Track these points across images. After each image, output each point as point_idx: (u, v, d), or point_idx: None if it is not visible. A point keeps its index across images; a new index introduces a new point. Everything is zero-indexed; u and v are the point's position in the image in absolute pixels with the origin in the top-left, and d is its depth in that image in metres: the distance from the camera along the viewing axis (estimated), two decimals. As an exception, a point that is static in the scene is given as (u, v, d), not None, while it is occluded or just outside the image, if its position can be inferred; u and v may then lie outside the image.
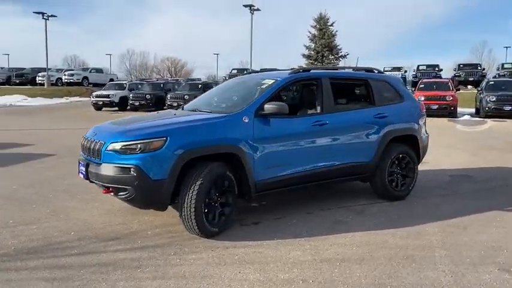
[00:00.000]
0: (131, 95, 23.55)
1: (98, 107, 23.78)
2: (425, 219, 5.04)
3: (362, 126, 5.50)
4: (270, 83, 5.13)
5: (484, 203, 5.73)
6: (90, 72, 38.79)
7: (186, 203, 4.16)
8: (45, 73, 38.21)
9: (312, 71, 5.54)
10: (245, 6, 32.07)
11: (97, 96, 23.81)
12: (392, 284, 3.40)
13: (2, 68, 44.16)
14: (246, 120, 4.59)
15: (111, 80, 36.02)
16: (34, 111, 23.41)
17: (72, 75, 37.87)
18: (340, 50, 30.46)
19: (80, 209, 5.30)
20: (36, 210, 5.31)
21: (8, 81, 40.97)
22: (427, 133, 6.39)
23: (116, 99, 23.52)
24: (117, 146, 4.14)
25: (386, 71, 34.86)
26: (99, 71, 39.67)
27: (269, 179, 4.74)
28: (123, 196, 4.18)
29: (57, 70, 41.82)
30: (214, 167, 4.32)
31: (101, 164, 4.26)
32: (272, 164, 4.74)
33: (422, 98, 19.74)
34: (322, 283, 3.41)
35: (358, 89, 6.09)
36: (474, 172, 7.77)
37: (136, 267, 3.65)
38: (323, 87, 5.32)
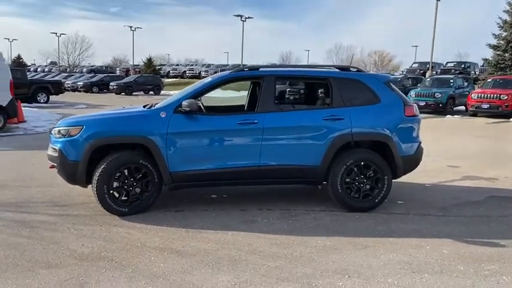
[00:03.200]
0: (288, 89, 24.86)
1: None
2: (343, 233, 4.58)
3: (306, 128, 5.19)
4: (204, 81, 5.41)
5: (450, 230, 4.71)
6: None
7: (92, 183, 4.95)
8: (240, 69, 43.41)
9: (260, 69, 5.49)
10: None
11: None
12: (169, 278, 3.49)
13: (211, 64, 51.76)
14: (163, 116, 5.04)
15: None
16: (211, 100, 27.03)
17: (260, 70, 41.87)
18: (540, 38, 24.89)
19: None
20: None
21: (214, 76, 48.05)
22: (416, 141, 5.47)
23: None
24: (55, 130, 5.19)
25: None
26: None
27: (187, 172, 5.08)
28: (57, 171, 5.22)
29: (252, 66, 46.76)
30: (122, 155, 4.95)
31: (49, 144, 5.41)
32: (190, 157, 5.06)
33: None
34: (120, 262, 3.76)
35: (313, 89, 5.66)
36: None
37: (30, 227, 4.63)
38: (263, 86, 5.26)
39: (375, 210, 5.32)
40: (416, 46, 64.01)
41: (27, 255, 3.92)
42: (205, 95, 5.54)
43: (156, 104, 5.44)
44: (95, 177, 4.90)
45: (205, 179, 5.17)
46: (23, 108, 16.78)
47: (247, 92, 6.80)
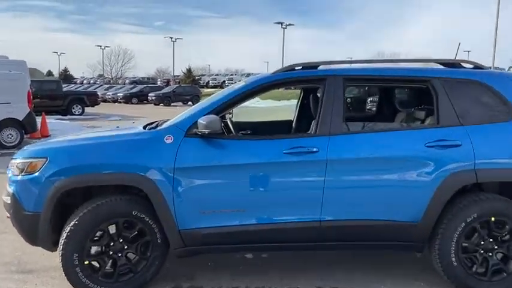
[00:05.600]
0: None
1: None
2: None
3: (396, 161, 3.20)
4: (235, 88, 3.52)
5: None
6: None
7: (58, 249, 3.16)
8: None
9: (320, 68, 3.52)
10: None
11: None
12: None
13: (251, 73, 50.34)
14: (169, 141, 3.20)
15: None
16: (242, 111, 25.24)
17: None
18: None
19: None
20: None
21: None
22: None
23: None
24: (13, 164, 3.45)
25: None
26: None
27: (206, 230, 3.21)
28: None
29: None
30: (105, 204, 3.14)
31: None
32: (210, 207, 3.20)
33: None
34: None
35: (406, 97, 3.65)
36: None
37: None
38: (326, 94, 3.32)
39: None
40: (468, 51, 59.59)
41: None
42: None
43: (163, 123, 3.60)
44: (61, 240, 3.12)
45: (234, 242, 3.27)
46: (53, 120, 15.84)
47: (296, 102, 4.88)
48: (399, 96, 3.77)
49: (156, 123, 3.77)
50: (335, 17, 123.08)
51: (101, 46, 66.91)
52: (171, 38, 54.34)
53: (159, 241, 3.27)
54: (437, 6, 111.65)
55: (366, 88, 9.15)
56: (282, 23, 40.23)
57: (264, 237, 3.25)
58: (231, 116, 4.32)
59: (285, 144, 3.21)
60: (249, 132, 4.46)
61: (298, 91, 5.09)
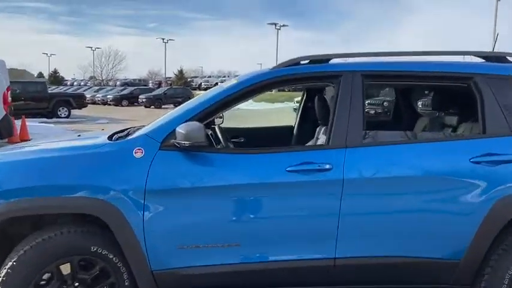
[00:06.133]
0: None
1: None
2: None
3: (432, 181, 2.49)
4: (224, 87, 2.79)
5: None
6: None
7: (-7, 296, 2.42)
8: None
9: (332, 62, 2.80)
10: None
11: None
12: None
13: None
14: (139, 155, 2.47)
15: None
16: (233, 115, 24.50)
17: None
18: None
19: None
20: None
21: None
22: None
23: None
24: None
25: None
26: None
27: (187, 270, 2.48)
28: None
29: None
30: (54, 239, 2.40)
31: None
32: (193, 241, 2.49)
33: None
34: None
35: (440, 98, 2.96)
36: None
37: None
38: (340, 94, 2.60)
39: None
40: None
41: None
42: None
43: (134, 131, 2.86)
44: (-4, 285, 2.39)
45: (224, 285, 2.56)
46: (36, 124, 15.16)
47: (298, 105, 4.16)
48: (432, 97, 3.06)
49: (128, 131, 3.03)
50: (331, 19, 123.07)
51: (91, 47, 65.90)
52: (163, 39, 53.57)
53: (126, 283, 2.54)
54: (434, 7, 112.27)
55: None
56: (275, 24, 39.72)
57: (262, 280, 2.53)
58: (221, 121, 3.60)
59: (288, 160, 2.48)
60: (242, 140, 3.76)
61: (292, 93, 4.38)
